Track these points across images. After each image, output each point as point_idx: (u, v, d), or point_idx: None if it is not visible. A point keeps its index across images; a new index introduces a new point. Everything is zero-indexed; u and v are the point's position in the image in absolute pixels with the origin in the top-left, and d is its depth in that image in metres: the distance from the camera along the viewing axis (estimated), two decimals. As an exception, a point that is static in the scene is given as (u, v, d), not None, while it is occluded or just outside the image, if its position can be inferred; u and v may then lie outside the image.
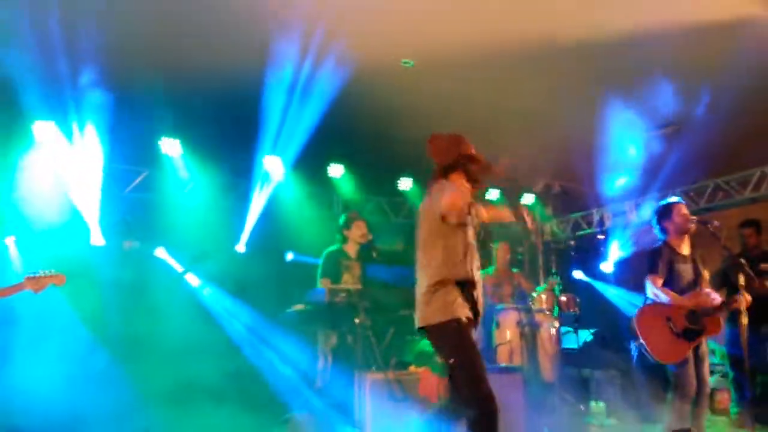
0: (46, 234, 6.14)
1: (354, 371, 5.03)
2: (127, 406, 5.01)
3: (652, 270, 4.71)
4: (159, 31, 5.21)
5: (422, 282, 3.55)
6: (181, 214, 7.09)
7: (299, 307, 5.69)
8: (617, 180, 7.74)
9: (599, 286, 8.63)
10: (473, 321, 3.54)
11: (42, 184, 6.33)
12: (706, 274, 4.85)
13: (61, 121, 6.20)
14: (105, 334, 5.21)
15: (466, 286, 3.52)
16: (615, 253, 8.65)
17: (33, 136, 6.23)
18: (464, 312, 3.46)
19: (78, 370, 4.96)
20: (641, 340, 4.58)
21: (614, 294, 8.18)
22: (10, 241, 6.30)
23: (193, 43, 5.42)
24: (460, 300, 3.46)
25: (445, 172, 3.69)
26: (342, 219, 6.17)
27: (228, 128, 6.79)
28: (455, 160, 3.68)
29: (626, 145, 7.66)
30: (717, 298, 4.65)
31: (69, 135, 6.31)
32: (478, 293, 3.60)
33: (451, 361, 3.42)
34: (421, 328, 3.57)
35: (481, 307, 3.61)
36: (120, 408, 4.96)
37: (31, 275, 4.11)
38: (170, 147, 6.90)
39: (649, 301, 4.76)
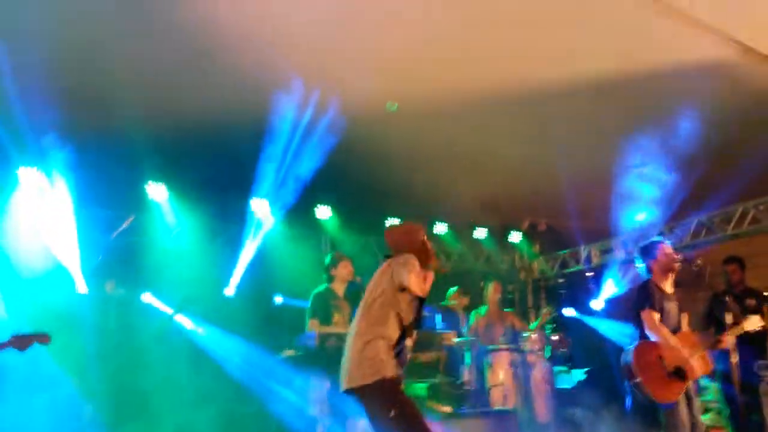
0: (31, 282, 6.03)
1: (347, 419, 4.93)
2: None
3: (649, 305, 4.65)
4: (147, 77, 5.24)
5: (357, 344, 3.58)
6: (168, 259, 7.00)
7: (289, 352, 5.60)
8: (636, 215, 7.79)
9: (591, 321, 8.60)
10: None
11: (26, 230, 6.25)
12: (686, 315, 4.84)
13: (44, 166, 6.15)
14: (95, 384, 5.07)
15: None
16: (608, 290, 8.65)
17: (17, 181, 6.16)
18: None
19: (68, 422, 4.83)
20: (638, 379, 4.53)
21: (608, 328, 8.14)
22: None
23: (180, 89, 5.44)
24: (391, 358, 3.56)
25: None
26: (328, 259, 6.13)
27: (215, 173, 6.77)
28: (413, 250, 3.82)
29: (611, 182, 7.77)
30: (705, 368, 4.64)
31: (52, 180, 6.24)
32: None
33: (392, 414, 3.38)
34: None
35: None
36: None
37: (18, 334, 4.19)
38: (156, 192, 6.86)
39: (640, 340, 4.70)
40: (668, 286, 4.82)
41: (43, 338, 4.23)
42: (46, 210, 6.33)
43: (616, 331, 7.63)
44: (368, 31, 4.81)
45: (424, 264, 3.80)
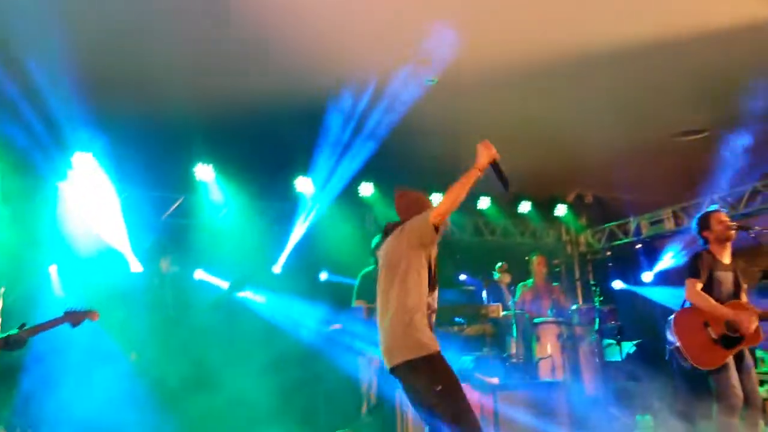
0: (87, 262, 6.27)
1: (396, 393, 4.99)
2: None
3: (693, 274, 4.65)
4: (197, 61, 5.32)
5: (397, 319, 3.45)
6: (217, 238, 7.18)
7: (337, 326, 5.69)
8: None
9: (644, 291, 8.45)
10: None
11: (80, 213, 6.48)
12: (745, 286, 4.76)
13: (96, 151, 6.35)
14: (157, 357, 5.24)
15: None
16: (665, 261, 8.47)
17: (72, 166, 6.38)
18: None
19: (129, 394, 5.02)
20: (677, 343, 4.51)
21: (662, 293, 7.96)
22: (52, 269, 6.45)
23: (229, 72, 5.51)
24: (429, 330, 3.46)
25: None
26: (375, 240, 6.16)
27: (261, 153, 6.89)
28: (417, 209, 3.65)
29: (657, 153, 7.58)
30: (753, 324, 4.51)
31: (106, 164, 6.45)
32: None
33: (438, 388, 3.32)
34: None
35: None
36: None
37: (70, 310, 4.36)
38: (204, 173, 7.00)
39: (687, 305, 4.68)
40: (725, 257, 4.75)
41: (92, 315, 4.41)
42: (98, 193, 6.56)
43: (670, 295, 7.43)
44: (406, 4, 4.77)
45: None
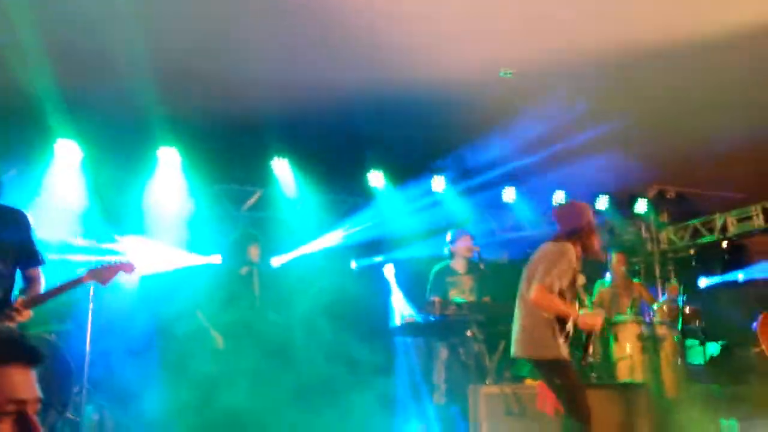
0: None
1: (468, 385, 4.97)
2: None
3: None
4: (275, 57, 5.43)
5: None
6: (293, 231, 7.34)
7: (410, 319, 5.72)
8: None
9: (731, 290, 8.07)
10: None
11: (166, 207, 6.76)
12: None
13: (180, 146, 6.60)
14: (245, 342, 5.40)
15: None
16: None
17: (158, 160, 6.66)
18: None
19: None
20: (761, 347, 4.32)
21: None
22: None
23: (305, 68, 5.61)
24: None
25: (566, 236, 3.97)
26: (448, 235, 6.18)
27: (335, 148, 6.99)
28: (578, 228, 3.96)
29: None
30: None
31: (187, 159, 6.69)
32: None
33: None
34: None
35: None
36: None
37: (94, 267, 3.71)
38: (281, 167, 7.16)
39: None
40: None
41: (126, 266, 3.74)
42: (181, 186, 6.83)
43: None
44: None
45: (588, 250, 3.94)
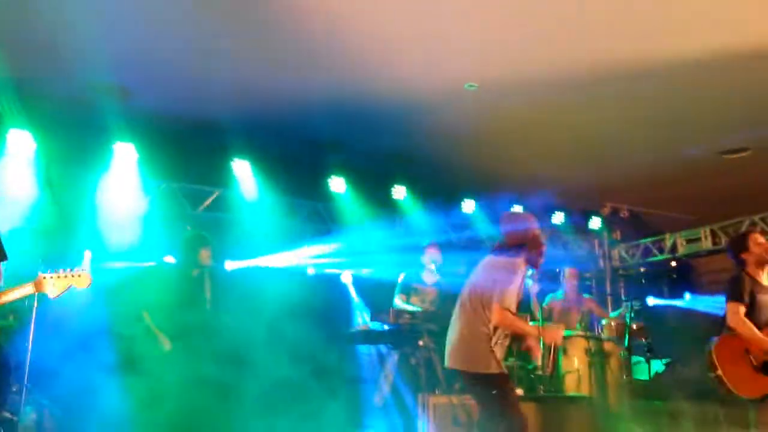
0: (121, 253, 6.39)
1: (418, 393, 5.00)
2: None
3: (735, 297, 4.49)
4: (232, 57, 5.38)
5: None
6: (249, 234, 7.27)
7: (364, 327, 5.72)
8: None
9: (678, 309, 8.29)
10: None
11: (119, 203, 6.61)
12: None
13: (137, 142, 6.47)
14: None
15: None
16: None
17: (113, 156, 6.51)
18: None
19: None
20: (718, 371, 4.38)
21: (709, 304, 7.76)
22: (87, 254, 6.56)
23: (266, 72, 5.57)
24: None
25: (513, 248, 3.93)
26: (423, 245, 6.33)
27: (296, 152, 6.95)
28: (525, 240, 3.94)
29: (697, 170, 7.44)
30: None
31: (144, 155, 6.56)
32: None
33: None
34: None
35: None
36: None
37: (46, 273, 3.40)
38: (241, 168, 7.08)
39: (727, 332, 4.53)
40: (765, 278, 4.61)
41: (80, 279, 3.43)
42: (136, 183, 6.69)
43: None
44: (449, 12, 4.75)
45: (535, 262, 3.93)
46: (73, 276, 3.46)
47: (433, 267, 6.14)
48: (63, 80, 5.58)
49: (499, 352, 3.81)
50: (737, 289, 4.52)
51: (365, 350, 6.41)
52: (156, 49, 5.21)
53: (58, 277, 3.42)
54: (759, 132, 6.54)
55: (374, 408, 5.67)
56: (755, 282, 4.57)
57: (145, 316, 5.24)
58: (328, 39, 5.00)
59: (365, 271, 7.92)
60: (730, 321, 4.49)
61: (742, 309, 4.46)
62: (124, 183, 6.62)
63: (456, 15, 4.73)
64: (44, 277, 3.39)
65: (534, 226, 4.02)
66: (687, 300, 8.44)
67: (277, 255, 7.56)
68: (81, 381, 5.15)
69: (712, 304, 7.46)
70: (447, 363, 3.95)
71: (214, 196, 7.36)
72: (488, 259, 4.01)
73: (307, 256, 7.76)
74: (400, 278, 6.24)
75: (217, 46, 5.16)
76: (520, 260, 3.90)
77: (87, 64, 5.30)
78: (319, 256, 7.83)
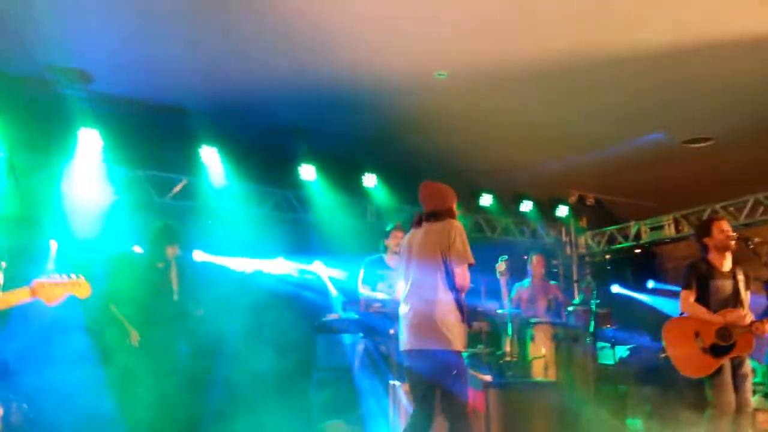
0: (87, 242, 6.27)
1: (389, 381, 5.04)
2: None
3: (686, 285, 4.77)
4: (198, 41, 5.30)
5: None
6: (218, 222, 7.20)
7: (334, 316, 5.73)
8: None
9: (644, 296, 8.49)
10: None
11: (85, 191, 6.48)
12: (745, 294, 4.78)
13: (102, 128, 6.33)
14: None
15: None
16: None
17: (77, 143, 6.36)
18: None
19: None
20: (667, 353, 4.66)
21: (661, 301, 7.99)
22: (53, 244, 6.43)
23: (234, 57, 5.50)
24: None
25: (449, 215, 4.01)
26: (387, 228, 6.23)
27: (265, 139, 6.90)
28: (452, 209, 4.04)
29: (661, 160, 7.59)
30: (748, 317, 4.60)
31: (109, 142, 6.42)
32: None
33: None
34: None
35: None
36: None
37: (42, 279, 3.25)
38: (209, 155, 6.99)
39: (681, 315, 4.79)
40: (725, 265, 4.78)
41: (79, 288, 3.32)
42: (101, 171, 6.56)
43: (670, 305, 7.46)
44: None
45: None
46: (72, 284, 3.33)
47: (398, 250, 6.06)
48: (19, 58, 5.39)
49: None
50: (688, 276, 4.78)
51: (336, 339, 6.42)
52: (116, 33, 5.10)
53: (56, 284, 3.29)
54: (722, 122, 6.70)
55: (345, 396, 5.69)
56: (712, 268, 4.77)
57: (112, 308, 5.15)
58: (296, 22, 4.94)
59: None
60: (681, 307, 4.77)
61: (691, 296, 4.73)
62: (90, 170, 6.48)
63: (425, 3, 4.73)
64: (41, 284, 3.25)
65: (454, 196, 4.11)
66: (650, 287, 8.64)
67: (249, 260, 7.52)
68: (49, 374, 5.08)
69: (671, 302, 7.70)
70: (417, 344, 3.88)
71: (182, 184, 7.26)
72: (430, 226, 4.01)
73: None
74: (361, 272, 6.07)
75: (180, 31, 5.07)
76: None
77: (45, 47, 5.16)
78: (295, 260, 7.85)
